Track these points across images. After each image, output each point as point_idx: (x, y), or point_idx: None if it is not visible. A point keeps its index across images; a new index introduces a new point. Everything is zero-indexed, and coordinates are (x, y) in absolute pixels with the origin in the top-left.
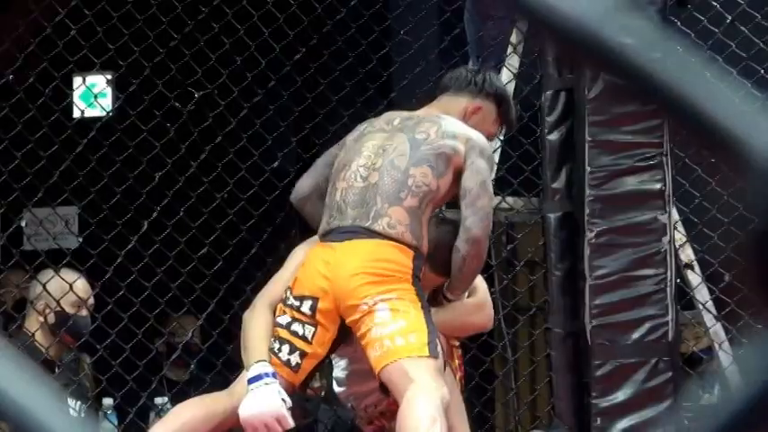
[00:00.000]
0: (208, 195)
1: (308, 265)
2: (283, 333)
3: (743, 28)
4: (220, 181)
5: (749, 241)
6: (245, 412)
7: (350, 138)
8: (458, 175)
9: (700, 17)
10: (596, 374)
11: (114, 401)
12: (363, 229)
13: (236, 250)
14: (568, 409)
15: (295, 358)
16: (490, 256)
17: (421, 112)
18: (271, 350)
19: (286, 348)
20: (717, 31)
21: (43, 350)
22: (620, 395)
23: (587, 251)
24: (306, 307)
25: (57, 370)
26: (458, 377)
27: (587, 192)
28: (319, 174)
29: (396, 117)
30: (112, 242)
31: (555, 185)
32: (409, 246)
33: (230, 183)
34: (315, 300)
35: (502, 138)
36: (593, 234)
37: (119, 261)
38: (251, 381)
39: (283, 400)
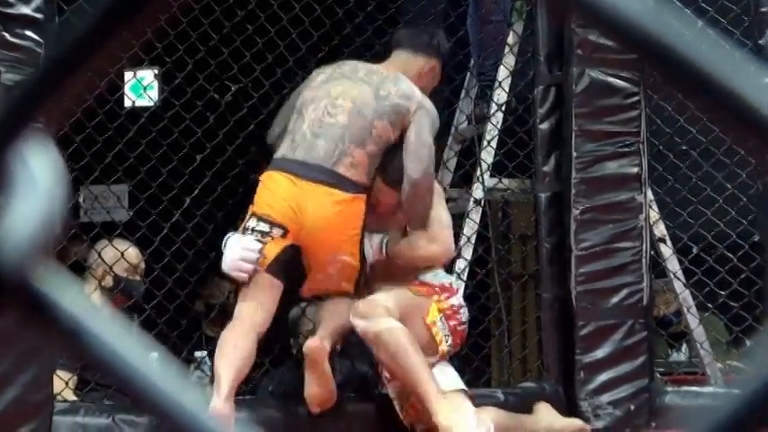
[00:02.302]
0: (242, 175)
1: (274, 192)
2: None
3: (711, 32)
4: (253, 163)
5: None
6: (225, 265)
7: (317, 78)
8: (403, 130)
9: None
10: (580, 334)
11: (158, 355)
12: (328, 172)
13: None
14: (555, 364)
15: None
16: (488, 230)
17: (382, 69)
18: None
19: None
20: None
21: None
22: (600, 352)
23: (573, 226)
24: (277, 234)
25: None
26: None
27: (573, 174)
28: (287, 117)
29: (360, 68)
30: (159, 216)
31: (545, 169)
32: (364, 186)
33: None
34: (285, 231)
35: (500, 128)
36: (578, 211)
37: (164, 232)
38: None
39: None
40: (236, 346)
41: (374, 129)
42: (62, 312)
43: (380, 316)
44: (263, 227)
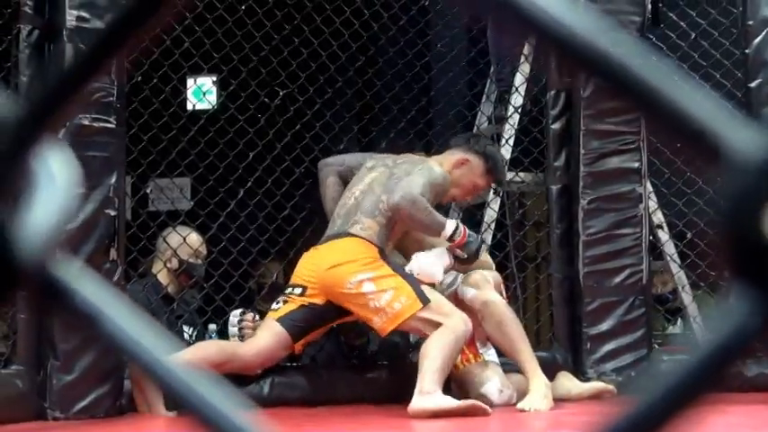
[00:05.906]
0: (289, 170)
1: (300, 265)
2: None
3: (704, 42)
4: (298, 159)
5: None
6: None
7: (367, 164)
8: None
9: (670, 34)
10: (587, 309)
11: (217, 327)
12: (342, 232)
13: (309, 212)
14: (565, 335)
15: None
16: (506, 218)
17: (417, 159)
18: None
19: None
20: (683, 45)
21: (169, 288)
22: (605, 326)
23: (581, 214)
24: (297, 292)
25: (176, 304)
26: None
27: (581, 169)
28: (344, 159)
29: (400, 160)
30: (216, 205)
31: (556, 164)
32: (374, 245)
33: (306, 160)
34: (304, 288)
35: (516, 128)
36: (585, 201)
37: (221, 220)
38: None
39: None
40: (206, 349)
41: (381, 202)
42: (80, 299)
43: (488, 288)
44: (288, 290)
